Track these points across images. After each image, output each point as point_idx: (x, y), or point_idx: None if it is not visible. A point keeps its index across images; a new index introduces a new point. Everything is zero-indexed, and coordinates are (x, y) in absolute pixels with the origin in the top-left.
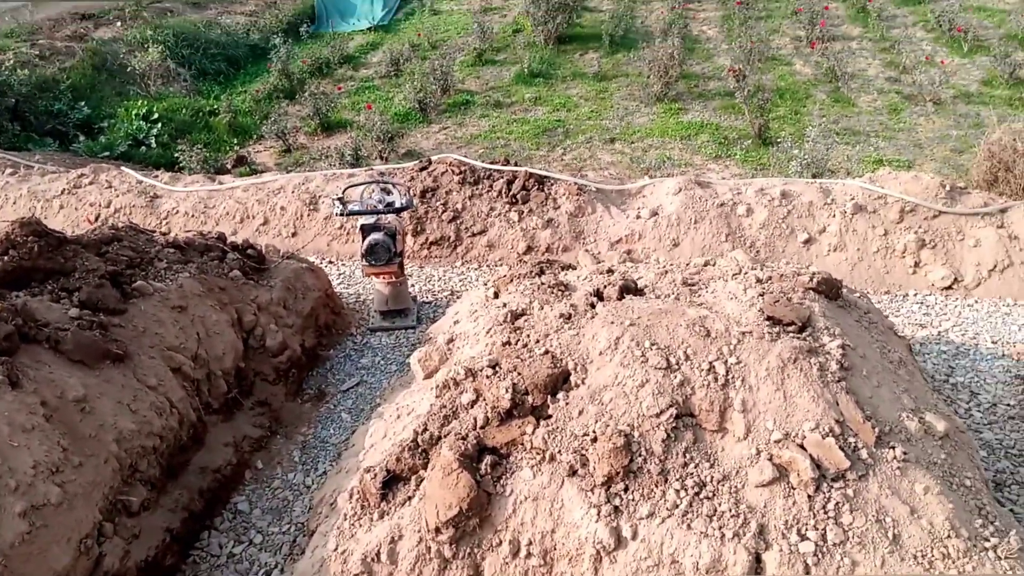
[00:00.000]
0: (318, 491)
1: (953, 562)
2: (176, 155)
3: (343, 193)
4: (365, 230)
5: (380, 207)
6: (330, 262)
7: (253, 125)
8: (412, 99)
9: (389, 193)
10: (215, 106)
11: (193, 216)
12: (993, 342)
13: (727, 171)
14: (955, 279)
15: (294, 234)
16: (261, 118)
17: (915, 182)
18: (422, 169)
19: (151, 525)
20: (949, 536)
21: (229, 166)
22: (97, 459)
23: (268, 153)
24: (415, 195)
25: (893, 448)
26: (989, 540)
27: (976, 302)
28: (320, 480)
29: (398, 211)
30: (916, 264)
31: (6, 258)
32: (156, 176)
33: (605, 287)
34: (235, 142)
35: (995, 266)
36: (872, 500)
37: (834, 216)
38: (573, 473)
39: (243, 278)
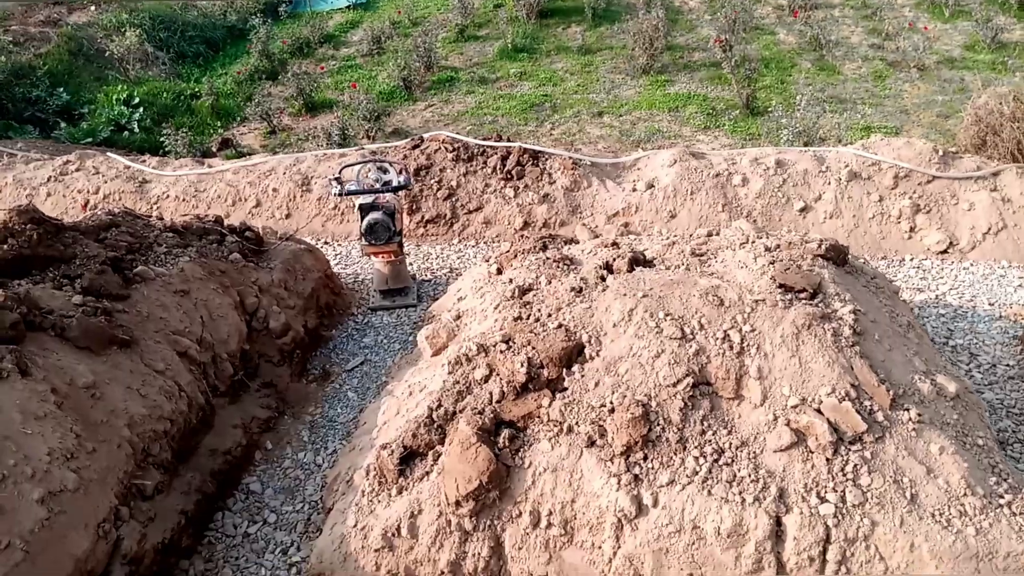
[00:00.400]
0: (331, 469)
1: (970, 519)
2: (161, 139)
3: (339, 173)
4: (364, 209)
5: (377, 186)
6: (325, 243)
7: (236, 107)
8: (396, 77)
9: (386, 172)
10: (196, 89)
11: (184, 200)
12: (990, 304)
13: (716, 142)
14: (950, 243)
15: (288, 216)
16: (244, 100)
17: (908, 148)
18: (415, 147)
19: (166, 508)
20: (965, 494)
21: (215, 149)
22: (110, 444)
23: (253, 135)
24: (410, 174)
25: (908, 410)
26: (1003, 497)
27: (972, 265)
28: (331, 459)
29: (396, 190)
30: (911, 229)
31: (5, 246)
32: (143, 161)
33: (614, 260)
34: (219, 125)
35: (989, 229)
36: (889, 461)
37: (829, 184)
38: (591, 444)
39: (243, 260)
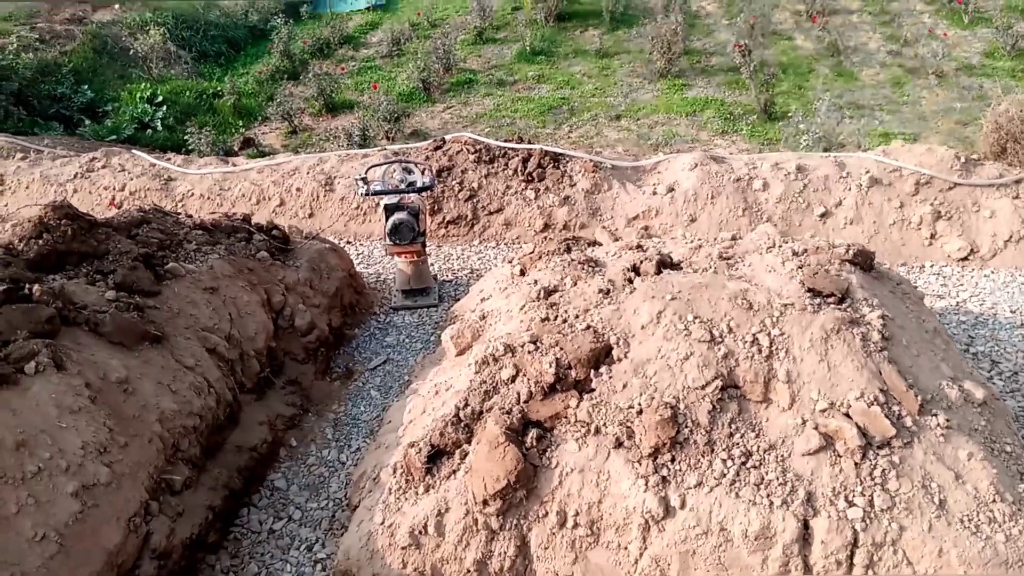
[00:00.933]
0: (356, 467)
1: (999, 526)
2: (184, 138)
3: (365, 173)
4: (389, 209)
5: (403, 187)
6: (348, 242)
7: (257, 107)
8: (415, 78)
9: (411, 173)
10: (219, 88)
11: (209, 198)
12: (1011, 311)
13: (734, 147)
14: (971, 250)
15: (311, 215)
16: (265, 100)
17: (929, 154)
18: (436, 148)
19: (194, 503)
20: (994, 500)
21: (236, 148)
22: (141, 439)
23: (274, 135)
24: (434, 174)
25: (936, 416)
26: None
27: (992, 272)
28: (354, 456)
29: (421, 190)
30: (932, 236)
31: (40, 241)
32: (168, 159)
33: (642, 262)
34: (240, 124)
35: (1011, 236)
36: (918, 467)
37: (850, 189)
38: (619, 445)
39: (270, 259)
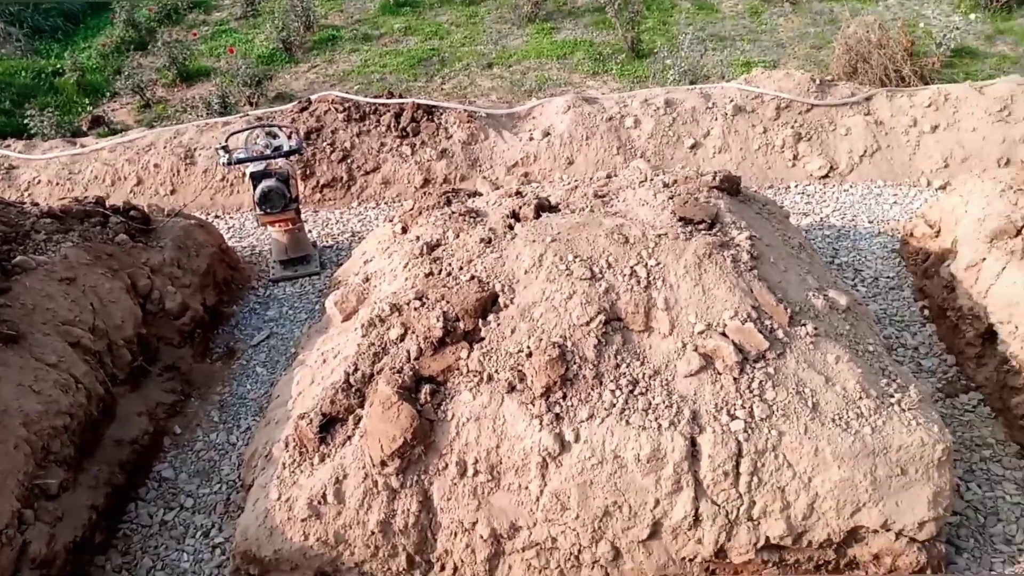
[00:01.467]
0: (247, 447)
1: (866, 420)
2: (24, 122)
3: (226, 141)
4: (256, 177)
5: (268, 152)
6: (217, 216)
7: (104, 82)
8: (275, 39)
9: (275, 137)
10: (59, 65)
11: (58, 184)
12: (870, 222)
13: (605, 87)
14: (831, 167)
15: (172, 191)
16: (112, 74)
17: (788, 79)
18: (303, 109)
19: (73, 505)
20: (861, 397)
21: (85, 128)
22: (6, 445)
23: (126, 110)
24: (302, 137)
25: (805, 325)
26: (893, 396)
27: (851, 187)
28: (245, 437)
29: (288, 154)
30: (795, 157)
31: None
32: (7, 146)
33: (520, 207)
34: (87, 102)
35: (865, 151)
36: (791, 374)
37: (716, 119)
38: (512, 389)
39: (130, 242)
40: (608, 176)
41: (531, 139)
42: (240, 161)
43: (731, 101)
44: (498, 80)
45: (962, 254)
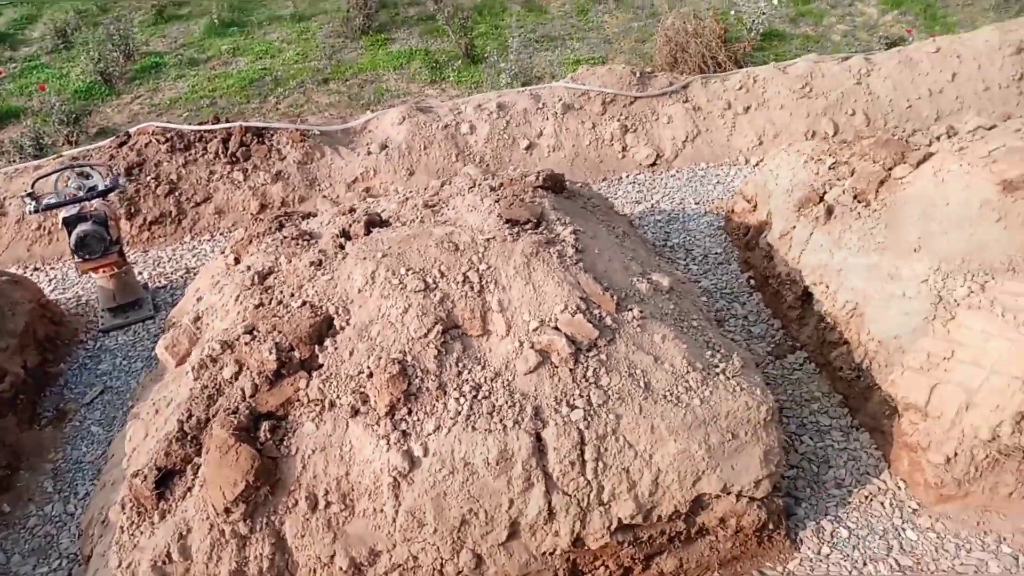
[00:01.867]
0: (84, 515)
1: (695, 392)
2: None
3: (32, 187)
4: (69, 223)
5: (81, 194)
6: (36, 269)
7: None
8: (92, 71)
9: (88, 177)
10: None
11: None
12: (696, 203)
13: (444, 94)
14: (657, 155)
15: None
16: None
17: (610, 74)
18: (122, 144)
19: None
20: (688, 371)
21: None
22: None
23: None
24: (119, 174)
25: (631, 310)
26: (719, 366)
27: (677, 172)
28: (84, 504)
29: (104, 194)
30: (624, 148)
31: None
32: None
33: (351, 225)
34: None
35: (687, 137)
36: (623, 358)
37: (548, 119)
38: (356, 413)
39: None
40: (442, 184)
41: (369, 153)
42: (49, 207)
43: (560, 100)
44: (335, 95)
45: (775, 224)
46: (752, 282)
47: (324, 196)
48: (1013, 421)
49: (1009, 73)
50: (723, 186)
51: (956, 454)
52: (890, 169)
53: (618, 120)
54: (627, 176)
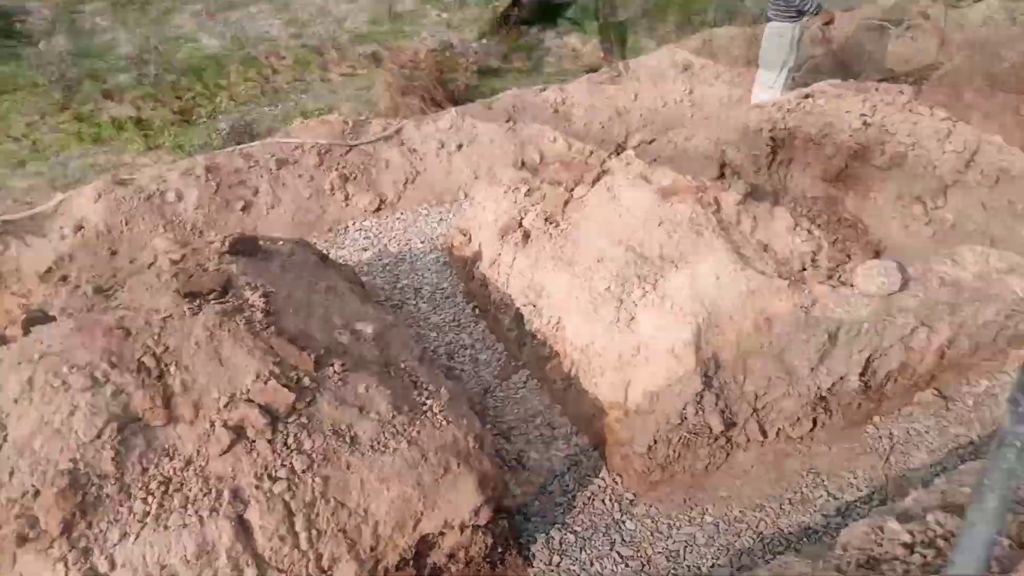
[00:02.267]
0: None
1: (402, 435)
2: None
3: None
4: None
5: None
6: None
7: None
8: None
9: None
10: None
11: None
12: (422, 243)
13: (161, 162)
14: (381, 200)
15: None
16: None
17: (323, 125)
18: None
19: None
20: (394, 416)
21: None
22: None
23: None
24: None
25: (332, 364)
26: (425, 404)
27: (402, 214)
28: None
29: None
30: (346, 197)
31: None
32: None
33: (6, 328)
34: None
35: (407, 179)
36: (325, 417)
37: (263, 176)
38: (24, 540)
39: None
40: (132, 262)
41: (63, 238)
42: None
43: (272, 156)
44: (35, 178)
45: (486, 253)
46: (476, 311)
47: (13, 293)
48: (694, 402)
49: (681, 89)
50: (445, 223)
51: (656, 441)
52: (571, 190)
53: (336, 170)
54: (353, 224)
